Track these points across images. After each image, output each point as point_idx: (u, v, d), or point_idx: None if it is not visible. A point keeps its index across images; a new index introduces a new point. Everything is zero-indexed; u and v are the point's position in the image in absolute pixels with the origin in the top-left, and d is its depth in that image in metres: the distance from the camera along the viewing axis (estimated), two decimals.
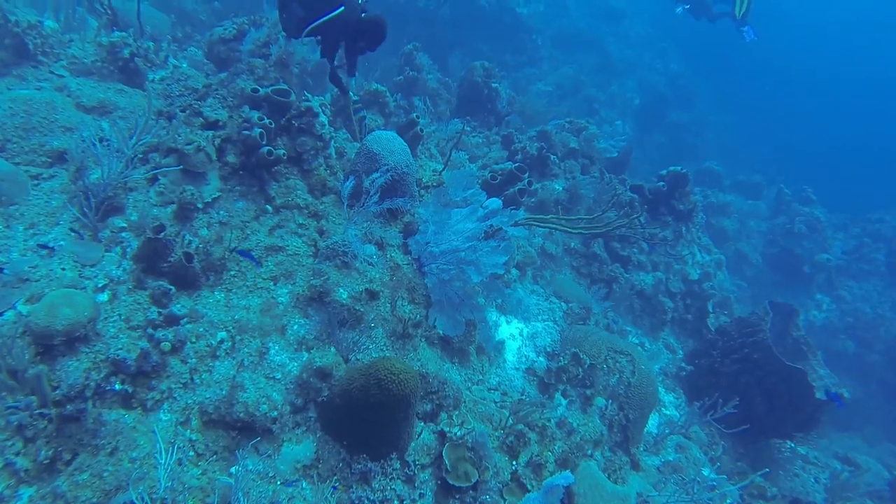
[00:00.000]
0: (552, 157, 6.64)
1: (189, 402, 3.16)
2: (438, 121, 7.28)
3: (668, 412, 6.07)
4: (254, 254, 3.76)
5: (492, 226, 4.09)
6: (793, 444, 6.13)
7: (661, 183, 7.14)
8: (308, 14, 4.27)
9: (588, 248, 6.38)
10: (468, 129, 6.90)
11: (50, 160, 4.03)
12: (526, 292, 5.75)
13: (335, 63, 4.68)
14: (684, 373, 6.51)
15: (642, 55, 17.55)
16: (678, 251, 7.11)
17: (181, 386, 3.19)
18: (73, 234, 3.53)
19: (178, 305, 3.42)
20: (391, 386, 3.08)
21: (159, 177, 3.95)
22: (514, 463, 3.88)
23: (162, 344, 3.06)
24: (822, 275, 10.70)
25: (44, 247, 3.42)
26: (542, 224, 4.87)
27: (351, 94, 5.30)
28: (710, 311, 7.00)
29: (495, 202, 4.13)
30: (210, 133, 4.15)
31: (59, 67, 4.75)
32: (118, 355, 2.89)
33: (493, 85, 7.43)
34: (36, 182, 3.89)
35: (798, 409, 5.47)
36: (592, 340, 5.26)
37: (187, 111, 4.42)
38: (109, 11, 5.34)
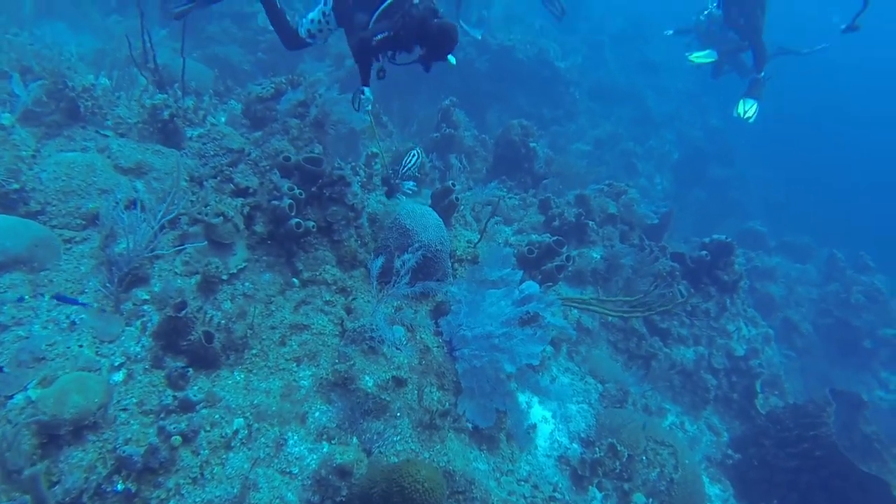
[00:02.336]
0: (590, 223, 6.39)
1: (197, 500, 2.92)
2: (474, 180, 7.15)
3: None
4: (276, 334, 3.58)
5: (528, 312, 3.83)
6: None
7: (704, 252, 6.77)
8: (368, 17, 3.96)
9: (626, 321, 6.02)
10: (503, 190, 6.74)
11: (84, 223, 3.99)
12: (560, 370, 5.41)
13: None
14: (731, 461, 5.97)
15: (681, 109, 17.31)
16: (721, 325, 6.66)
17: (190, 481, 2.96)
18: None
19: (195, 389, 3.25)
20: (415, 496, 2.80)
21: (186, 245, 3.86)
22: None
23: (172, 438, 2.86)
24: (886, 350, 9.88)
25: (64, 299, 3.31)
26: (580, 306, 4.59)
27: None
28: (759, 391, 6.48)
29: (532, 286, 3.89)
30: (239, 202, 4.07)
31: (105, 128, 4.80)
32: (124, 452, 2.70)
33: (531, 144, 7.28)
34: (69, 246, 3.84)
35: None
36: (631, 428, 4.86)
37: (218, 177, 4.37)
38: (156, 74, 5.45)
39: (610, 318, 5.85)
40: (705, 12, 9.71)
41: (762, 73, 7.25)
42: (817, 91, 28.68)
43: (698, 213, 14.60)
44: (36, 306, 3.39)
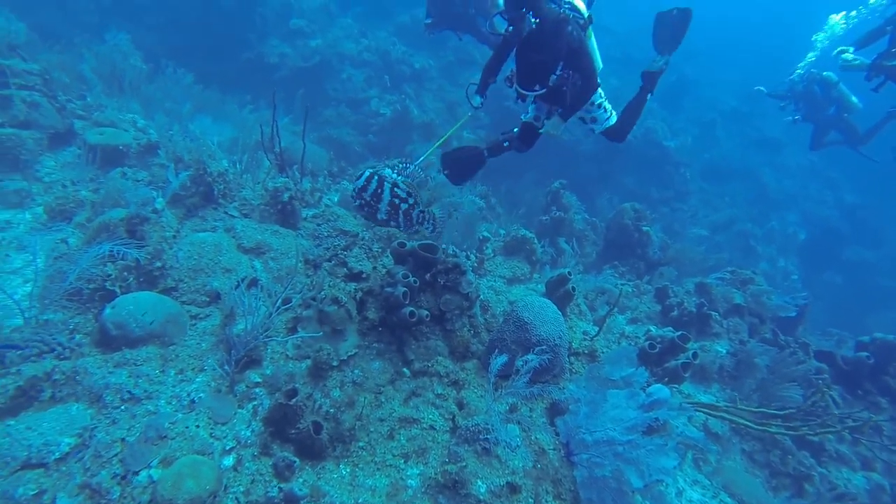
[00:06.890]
0: (714, 314, 5.77)
1: None
2: (584, 265, 6.82)
3: None
4: (385, 427, 3.42)
5: (657, 419, 3.38)
6: None
7: (865, 353, 5.79)
8: None
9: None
10: (616, 276, 6.35)
11: (208, 299, 4.21)
12: (687, 482, 4.70)
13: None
14: None
15: (806, 186, 15.96)
16: None
17: None
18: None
19: (300, 482, 3.12)
20: None
21: (299, 328, 3.89)
22: None
23: None
24: None
25: None
26: (712, 413, 4.00)
27: None
28: None
29: (662, 391, 3.46)
30: (353, 287, 4.09)
31: (233, 208, 5.18)
32: None
33: (644, 228, 6.89)
34: (194, 322, 4.03)
35: None
36: None
37: (333, 261, 4.47)
38: (278, 158, 5.87)
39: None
40: (798, 72, 9.04)
41: None
42: None
43: (834, 300, 12.94)
44: (163, 381, 3.52)
